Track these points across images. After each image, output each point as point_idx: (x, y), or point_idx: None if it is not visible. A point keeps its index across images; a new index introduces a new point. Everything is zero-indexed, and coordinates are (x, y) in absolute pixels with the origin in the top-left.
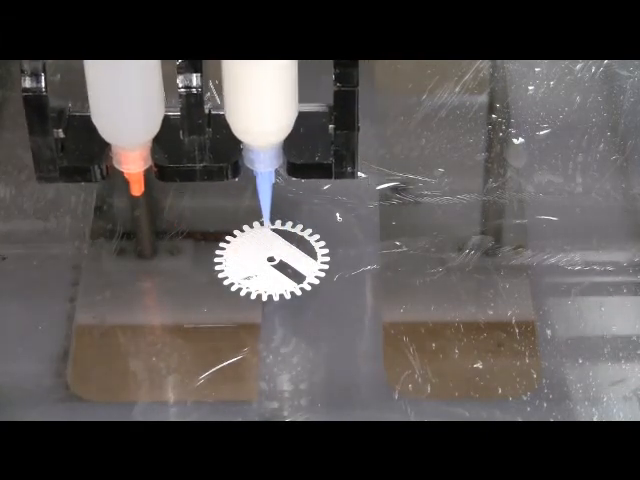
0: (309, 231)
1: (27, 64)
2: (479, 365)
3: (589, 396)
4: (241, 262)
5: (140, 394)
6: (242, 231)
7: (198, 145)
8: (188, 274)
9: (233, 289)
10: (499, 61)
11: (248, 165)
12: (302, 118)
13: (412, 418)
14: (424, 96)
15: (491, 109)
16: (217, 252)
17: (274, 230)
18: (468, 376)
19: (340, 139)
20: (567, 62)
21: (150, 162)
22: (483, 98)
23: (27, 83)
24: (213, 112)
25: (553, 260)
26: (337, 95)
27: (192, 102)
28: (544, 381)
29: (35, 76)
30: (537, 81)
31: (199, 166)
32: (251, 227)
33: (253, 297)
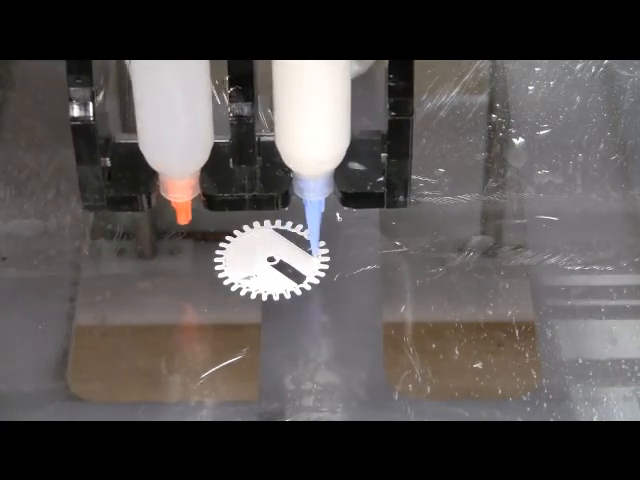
0: (309, 231)
1: (76, 92)
2: (479, 365)
3: (589, 396)
4: (241, 262)
5: (140, 394)
6: (242, 231)
7: (248, 174)
8: (188, 274)
9: (233, 289)
10: (499, 61)
11: (297, 194)
12: (352, 145)
13: (412, 418)
14: (424, 96)
15: (491, 109)
16: (217, 252)
17: (274, 230)
18: (468, 376)
19: (393, 168)
20: (567, 62)
21: (198, 191)
22: (483, 98)
23: (75, 112)
24: (263, 139)
25: (553, 260)
26: (391, 124)
27: (243, 131)
28: (544, 381)
29: (84, 105)
30: (537, 81)
31: (248, 195)
32: (251, 227)
33: (253, 297)
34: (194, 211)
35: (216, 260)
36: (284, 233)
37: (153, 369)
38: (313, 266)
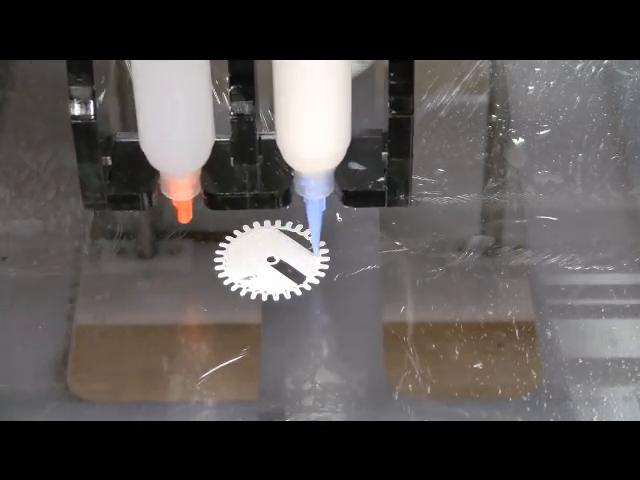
0: (309, 231)
1: (76, 91)
2: (479, 365)
3: (589, 396)
4: (241, 262)
5: (140, 394)
6: (242, 231)
7: (249, 173)
8: (188, 274)
9: (233, 289)
10: (499, 61)
11: (298, 192)
12: (353, 144)
13: (412, 418)
14: (424, 96)
15: (491, 109)
16: (217, 252)
17: (274, 230)
18: (468, 376)
19: (394, 167)
20: (567, 62)
21: (199, 189)
22: (483, 98)
23: (76, 110)
24: (263, 138)
25: (553, 260)
26: (392, 122)
27: (244, 130)
28: (544, 381)
29: (84, 103)
30: (537, 81)
31: (249, 194)
32: (251, 227)
33: (253, 297)
34: (194, 211)
35: (216, 260)
36: (284, 233)
37: (153, 369)
38: (313, 266)
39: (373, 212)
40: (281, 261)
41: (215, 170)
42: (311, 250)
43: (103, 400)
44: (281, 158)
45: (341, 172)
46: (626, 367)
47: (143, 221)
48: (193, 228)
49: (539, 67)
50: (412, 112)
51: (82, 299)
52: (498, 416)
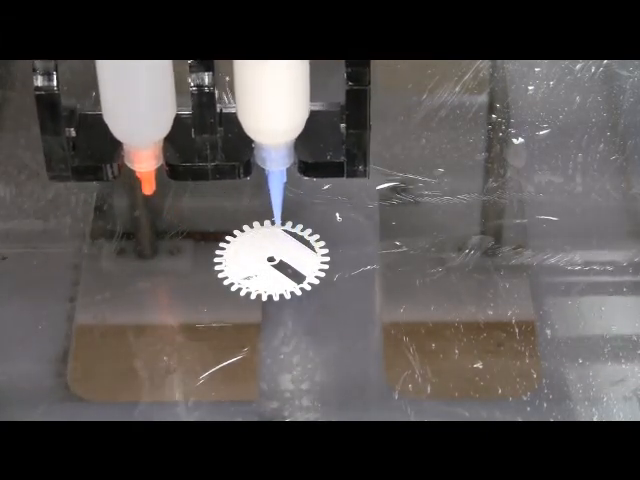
0: (309, 231)
1: (39, 63)
2: (479, 365)
3: (589, 396)
4: (241, 262)
5: (140, 394)
6: (242, 231)
7: (210, 144)
8: (188, 274)
9: (233, 289)
10: (499, 61)
11: (259, 164)
12: (313, 117)
13: (412, 418)
14: (424, 96)
15: (491, 109)
16: (217, 252)
17: (274, 230)
18: (468, 376)
19: (352, 138)
20: (567, 62)
21: (162, 161)
22: (483, 98)
23: (39, 82)
24: (225, 111)
25: (553, 260)
26: (349, 94)
27: (204, 101)
28: (544, 381)
29: (47, 75)
30: (537, 81)
31: (211, 165)
32: (251, 227)
33: (253, 297)
34: (194, 211)
35: (216, 260)
36: (284, 233)
37: (153, 369)
38: (313, 266)
39: (373, 212)
40: (281, 261)
41: (177, 142)
42: (312, 250)
43: (103, 400)
44: (242, 130)
45: (301, 144)
46: (626, 367)
47: (143, 221)
48: (193, 228)
49: (539, 67)
50: (368, 83)
51: (82, 299)
52: (498, 416)
